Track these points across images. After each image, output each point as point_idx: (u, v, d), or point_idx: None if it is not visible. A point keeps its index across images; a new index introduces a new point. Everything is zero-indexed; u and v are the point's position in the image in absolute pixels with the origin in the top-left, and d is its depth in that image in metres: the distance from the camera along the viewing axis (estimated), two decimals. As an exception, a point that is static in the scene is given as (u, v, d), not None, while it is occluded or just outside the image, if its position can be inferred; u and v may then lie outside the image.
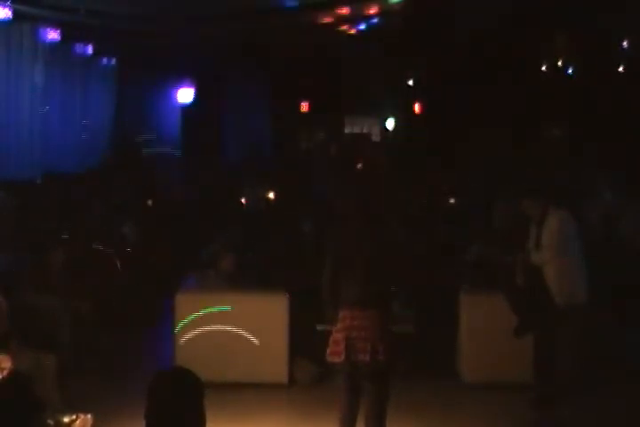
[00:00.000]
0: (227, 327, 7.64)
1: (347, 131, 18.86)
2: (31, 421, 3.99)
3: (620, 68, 13.46)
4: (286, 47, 13.15)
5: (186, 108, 15.82)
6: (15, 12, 8.81)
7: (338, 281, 5.60)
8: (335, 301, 5.63)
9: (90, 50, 11.38)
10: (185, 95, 15.60)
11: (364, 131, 18.56)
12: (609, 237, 10.33)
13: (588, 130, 14.64)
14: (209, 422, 3.16)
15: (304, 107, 18.38)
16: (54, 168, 10.96)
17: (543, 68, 14.53)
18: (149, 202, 13.18)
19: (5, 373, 5.77)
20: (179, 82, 15.51)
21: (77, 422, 6.24)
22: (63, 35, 10.12)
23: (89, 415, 6.30)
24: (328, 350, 5.53)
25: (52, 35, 10.03)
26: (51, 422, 6.08)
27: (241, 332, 7.63)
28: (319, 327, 7.48)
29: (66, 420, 6.18)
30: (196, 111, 15.82)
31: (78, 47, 11.25)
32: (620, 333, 8.44)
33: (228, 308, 7.54)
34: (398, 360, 5.69)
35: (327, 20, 10.95)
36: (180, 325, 7.68)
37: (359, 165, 15.38)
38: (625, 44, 12.37)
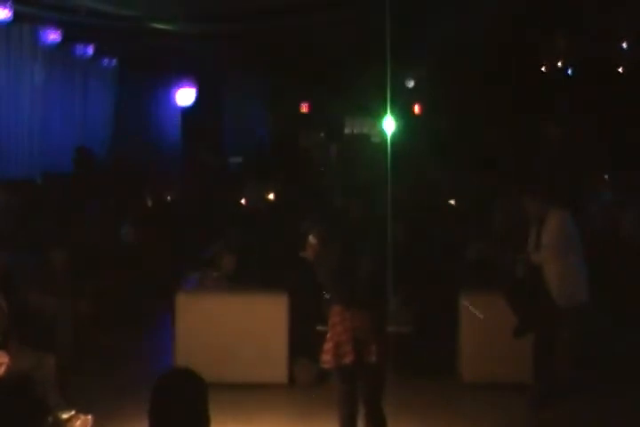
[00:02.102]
0: (227, 327, 7.65)
1: (347, 131, 18.88)
2: (32, 420, 3.99)
3: (620, 69, 13.47)
4: (286, 47, 13.17)
5: (186, 109, 15.83)
6: (15, 13, 8.81)
7: (339, 282, 5.58)
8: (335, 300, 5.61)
9: (90, 50, 11.38)
10: (185, 95, 15.61)
11: (364, 131, 18.58)
12: (609, 236, 10.33)
13: (589, 130, 14.65)
14: (209, 422, 3.16)
15: (304, 107, 18.41)
16: (54, 168, 10.96)
17: (543, 69, 14.55)
18: (149, 202, 13.18)
19: (2, 368, 5.78)
20: (179, 82, 15.51)
21: (77, 422, 6.25)
22: (64, 35, 10.12)
23: (89, 416, 6.30)
24: (332, 352, 5.42)
25: (53, 35, 10.03)
26: (50, 419, 6.09)
27: (241, 332, 7.63)
28: (319, 327, 7.48)
29: (65, 416, 6.18)
30: (196, 111, 15.82)
31: (79, 48, 11.25)
32: (620, 333, 8.44)
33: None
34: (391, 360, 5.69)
35: (327, 20, 10.96)
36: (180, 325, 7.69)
37: (359, 166, 15.39)
38: (625, 44, 12.38)
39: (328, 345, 5.47)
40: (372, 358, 5.35)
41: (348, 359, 5.37)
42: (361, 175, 14.22)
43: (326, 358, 5.48)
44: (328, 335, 5.51)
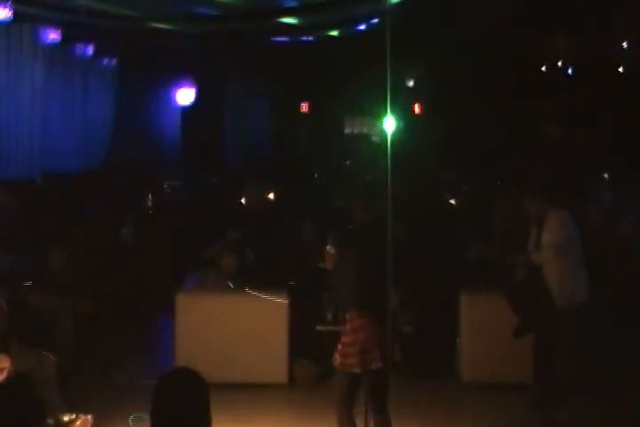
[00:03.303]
0: (227, 327, 7.65)
1: (347, 131, 18.88)
2: (32, 421, 4.00)
3: (620, 69, 13.46)
4: (286, 47, 13.17)
5: (186, 109, 15.82)
6: (15, 12, 8.80)
7: (346, 283, 5.56)
8: (344, 302, 5.60)
9: (90, 50, 11.39)
10: (185, 95, 15.61)
11: (364, 131, 18.58)
12: (609, 236, 10.32)
13: (589, 130, 14.64)
14: (209, 422, 3.17)
15: (304, 107, 18.41)
16: (54, 168, 10.96)
17: (543, 69, 14.55)
18: (149, 202, 13.18)
19: (5, 373, 5.77)
20: (179, 82, 15.51)
21: (78, 422, 6.25)
22: (64, 35, 10.13)
23: (89, 416, 6.30)
24: (358, 357, 5.35)
25: (53, 35, 10.03)
26: (50, 421, 6.09)
27: (241, 332, 7.63)
28: (319, 327, 7.48)
29: (65, 419, 6.19)
30: (196, 111, 15.82)
31: (78, 48, 11.25)
32: (619, 333, 8.43)
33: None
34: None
35: (326, 20, 10.97)
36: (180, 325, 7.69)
37: (360, 166, 15.41)
38: (625, 44, 12.37)
39: (350, 350, 5.39)
40: (397, 356, 5.35)
41: (375, 365, 5.34)
42: (361, 175, 14.24)
43: (349, 362, 5.38)
44: (347, 340, 5.43)
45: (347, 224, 5.94)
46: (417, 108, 17.88)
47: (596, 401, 6.91)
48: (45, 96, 10.57)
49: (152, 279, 10.24)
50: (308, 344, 7.56)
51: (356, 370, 5.38)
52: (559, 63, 14.04)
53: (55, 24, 9.98)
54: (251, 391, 7.35)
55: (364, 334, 5.39)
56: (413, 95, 17.30)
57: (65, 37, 10.29)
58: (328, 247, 6.70)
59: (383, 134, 9.20)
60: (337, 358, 5.48)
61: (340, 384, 5.56)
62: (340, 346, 5.50)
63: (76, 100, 11.84)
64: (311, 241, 9.09)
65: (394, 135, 7.87)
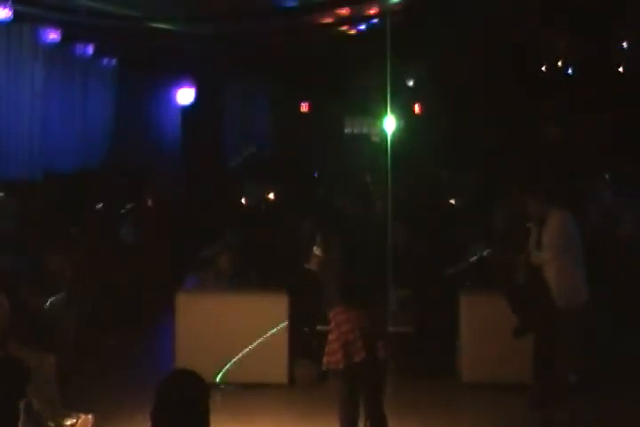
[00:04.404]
0: (227, 327, 7.65)
1: (347, 131, 18.88)
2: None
3: (620, 69, 13.47)
4: (286, 47, 13.16)
5: (186, 108, 15.82)
6: (15, 12, 8.81)
7: (343, 281, 5.55)
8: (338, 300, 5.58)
9: (90, 50, 11.39)
10: (185, 95, 15.60)
11: (364, 131, 18.58)
12: (609, 237, 10.33)
13: (589, 130, 14.65)
14: (209, 422, 3.17)
15: (304, 107, 18.41)
16: (54, 168, 10.97)
17: (543, 69, 14.56)
18: (149, 202, 13.19)
19: None
20: (179, 82, 15.51)
21: (78, 422, 6.24)
22: (63, 35, 10.13)
23: (89, 416, 6.30)
24: (341, 352, 5.31)
25: (52, 35, 10.04)
26: (51, 424, 6.08)
27: (241, 332, 7.63)
28: (319, 327, 7.48)
29: (67, 423, 6.18)
30: (196, 111, 15.82)
31: (78, 47, 11.26)
32: (619, 333, 8.44)
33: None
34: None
35: (327, 20, 10.97)
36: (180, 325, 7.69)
37: (359, 166, 15.41)
38: (625, 44, 12.39)
39: (334, 346, 5.36)
40: (381, 353, 5.32)
41: (358, 357, 5.28)
42: (361, 175, 14.23)
43: (334, 359, 5.34)
44: (332, 337, 5.41)
45: (344, 224, 5.94)
46: (417, 108, 17.88)
47: (595, 401, 6.91)
48: (45, 96, 10.57)
49: (152, 279, 10.24)
50: (308, 344, 7.56)
51: (340, 366, 5.30)
52: (559, 63, 14.06)
53: (55, 24, 9.98)
54: (251, 391, 7.35)
55: (346, 327, 5.33)
56: (413, 95, 17.28)
57: (65, 37, 10.29)
58: (314, 249, 6.73)
59: (383, 134, 9.21)
60: (325, 359, 5.44)
61: (336, 386, 5.50)
62: (326, 347, 5.44)
63: (76, 100, 11.84)
64: (310, 241, 9.10)
65: (394, 135, 7.87)
